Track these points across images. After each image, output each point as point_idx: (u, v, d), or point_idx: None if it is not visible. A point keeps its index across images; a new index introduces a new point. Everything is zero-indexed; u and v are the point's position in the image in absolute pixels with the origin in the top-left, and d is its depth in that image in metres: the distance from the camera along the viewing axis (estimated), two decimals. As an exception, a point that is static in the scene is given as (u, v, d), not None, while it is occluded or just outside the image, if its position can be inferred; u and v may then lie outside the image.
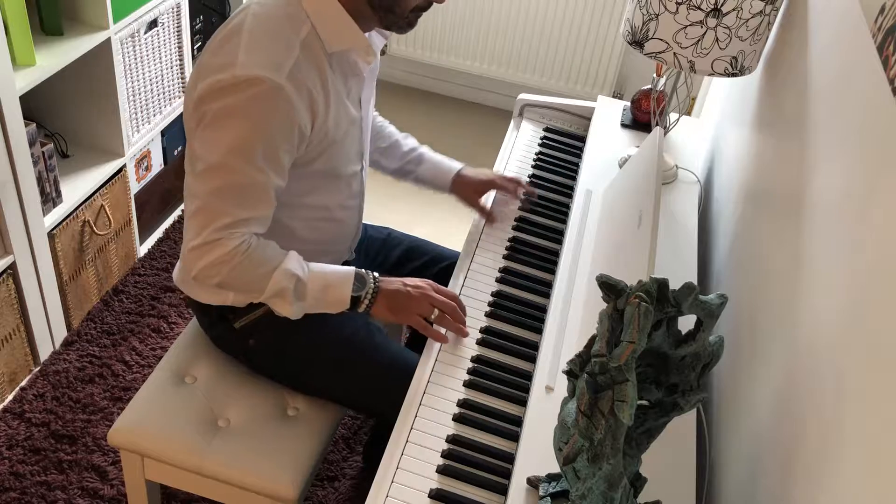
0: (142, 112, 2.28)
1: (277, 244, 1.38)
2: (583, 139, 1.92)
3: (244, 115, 1.24)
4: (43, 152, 1.94)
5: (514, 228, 1.65)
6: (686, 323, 1.03)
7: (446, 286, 1.50)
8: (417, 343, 1.43)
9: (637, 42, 1.57)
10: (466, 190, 1.68)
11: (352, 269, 1.41)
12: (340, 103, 1.36)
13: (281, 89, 1.23)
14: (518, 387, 1.32)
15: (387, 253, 1.72)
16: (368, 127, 1.52)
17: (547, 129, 1.95)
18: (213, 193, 1.29)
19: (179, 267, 1.53)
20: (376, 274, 1.42)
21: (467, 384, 1.31)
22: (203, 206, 1.30)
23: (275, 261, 1.35)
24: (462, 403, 1.27)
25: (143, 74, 2.23)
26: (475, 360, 1.35)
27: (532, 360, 1.35)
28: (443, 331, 1.38)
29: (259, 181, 1.29)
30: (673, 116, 1.84)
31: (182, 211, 2.56)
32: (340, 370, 1.48)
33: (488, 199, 1.69)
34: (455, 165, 1.70)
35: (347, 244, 1.60)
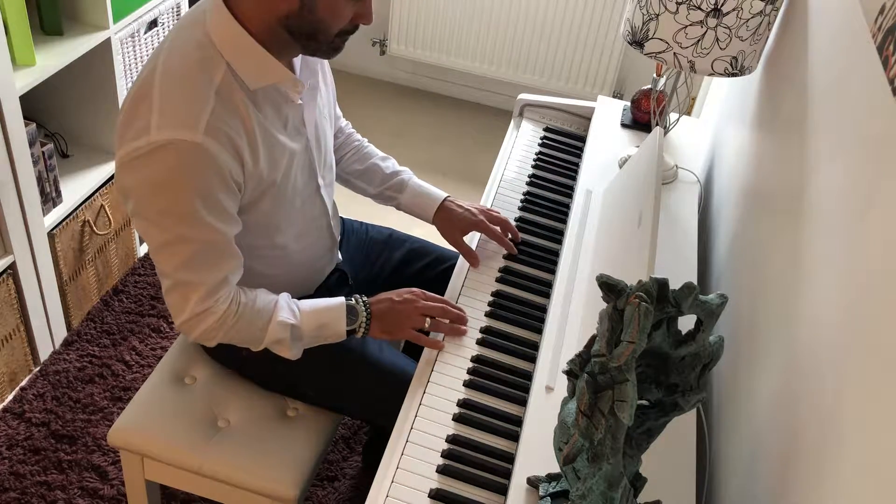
0: (142, 112, 2.28)
1: (252, 285, 1.36)
2: (583, 139, 1.92)
3: (171, 181, 1.18)
4: (43, 152, 1.94)
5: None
6: (686, 323, 1.03)
7: (447, 286, 1.50)
8: (416, 347, 1.42)
9: (637, 42, 1.57)
10: (451, 227, 1.58)
11: (342, 302, 1.39)
12: (273, 143, 1.28)
13: (199, 146, 1.16)
14: (518, 387, 1.32)
15: (389, 254, 1.70)
16: (323, 139, 1.44)
17: (547, 129, 1.95)
18: (179, 269, 1.26)
19: None
20: (366, 299, 1.41)
21: (467, 384, 1.30)
22: (174, 284, 1.28)
23: (266, 313, 1.34)
24: (462, 403, 1.27)
25: (143, 74, 2.23)
26: (475, 360, 1.35)
27: (532, 360, 1.35)
28: (440, 337, 1.38)
29: (215, 240, 1.25)
30: (673, 116, 1.84)
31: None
32: (334, 380, 1.48)
33: (473, 240, 1.60)
34: (438, 195, 1.61)
35: (324, 260, 1.56)
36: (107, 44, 2.03)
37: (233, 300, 1.30)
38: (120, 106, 2.13)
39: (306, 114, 1.36)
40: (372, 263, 1.69)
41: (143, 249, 2.46)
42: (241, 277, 1.35)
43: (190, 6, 2.35)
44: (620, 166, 1.78)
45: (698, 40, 1.50)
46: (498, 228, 1.57)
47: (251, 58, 1.22)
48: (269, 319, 1.34)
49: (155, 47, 2.23)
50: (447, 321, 1.39)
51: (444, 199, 1.61)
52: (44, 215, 1.98)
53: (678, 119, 1.83)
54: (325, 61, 1.44)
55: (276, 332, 1.34)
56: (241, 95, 1.22)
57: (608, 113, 1.97)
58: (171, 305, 1.30)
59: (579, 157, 1.86)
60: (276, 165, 1.30)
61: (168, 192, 1.19)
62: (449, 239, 1.58)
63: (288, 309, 1.36)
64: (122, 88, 2.14)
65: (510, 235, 1.59)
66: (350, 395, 1.49)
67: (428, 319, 1.38)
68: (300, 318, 1.36)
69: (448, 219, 1.59)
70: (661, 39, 1.53)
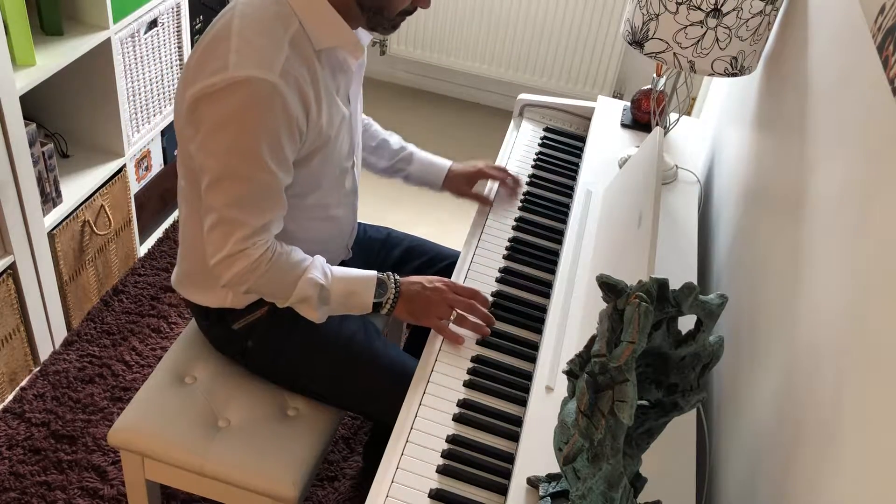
0: (142, 112, 2.28)
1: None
2: (583, 139, 1.92)
3: (243, 117, 1.24)
4: (43, 152, 1.94)
5: (514, 228, 1.65)
6: (686, 323, 1.03)
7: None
8: (417, 345, 1.43)
9: (637, 42, 1.57)
10: (458, 183, 1.70)
11: (374, 274, 1.42)
12: (332, 100, 1.35)
13: (275, 87, 1.22)
14: (518, 387, 1.32)
15: (386, 253, 1.72)
16: (359, 123, 1.53)
17: (547, 129, 1.95)
18: (229, 205, 1.29)
19: (177, 270, 1.53)
20: (397, 277, 1.43)
21: (467, 384, 1.30)
22: (220, 220, 1.30)
23: (299, 268, 1.36)
24: (462, 403, 1.27)
25: (143, 74, 2.23)
26: (475, 360, 1.35)
27: (532, 360, 1.35)
28: (462, 331, 1.38)
29: (270, 183, 1.29)
30: (673, 116, 1.84)
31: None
32: (337, 373, 1.48)
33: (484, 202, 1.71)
34: (445, 163, 1.72)
35: (344, 242, 1.60)
36: (107, 44, 2.03)
37: (269, 247, 1.33)
38: (120, 104, 2.15)
39: (353, 89, 1.44)
40: (370, 262, 1.70)
41: (143, 249, 2.46)
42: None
43: (190, 6, 2.35)
44: (620, 166, 1.78)
45: (698, 40, 1.50)
46: (499, 173, 1.70)
47: (323, 18, 1.29)
48: (300, 274, 1.36)
49: (157, 45, 2.24)
50: (473, 318, 1.40)
51: (451, 165, 1.73)
52: (44, 215, 1.98)
53: (678, 119, 1.83)
54: (365, 58, 1.50)
55: (304, 289, 1.36)
56: (310, 51, 1.29)
57: (608, 113, 1.97)
58: (212, 242, 1.32)
59: (579, 157, 1.86)
60: (332, 122, 1.36)
61: (238, 127, 1.24)
62: (459, 194, 1.71)
63: (321, 269, 1.38)
64: (123, 88, 2.14)
65: (511, 181, 1.71)
66: (351, 390, 1.49)
67: (454, 312, 1.39)
68: (331, 281, 1.38)
69: (454, 178, 1.71)
70: (661, 39, 1.53)
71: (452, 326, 1.39)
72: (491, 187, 1.72)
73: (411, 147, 1.74)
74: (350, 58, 1.37)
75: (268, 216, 1.32)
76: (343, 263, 1.63)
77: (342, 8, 1.30)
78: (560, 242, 1.61)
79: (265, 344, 1.48)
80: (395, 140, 1.73)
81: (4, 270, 1.90)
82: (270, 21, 1.26)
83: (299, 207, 1.42)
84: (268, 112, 1.24)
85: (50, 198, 2.00)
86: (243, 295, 1.45)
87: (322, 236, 1.51)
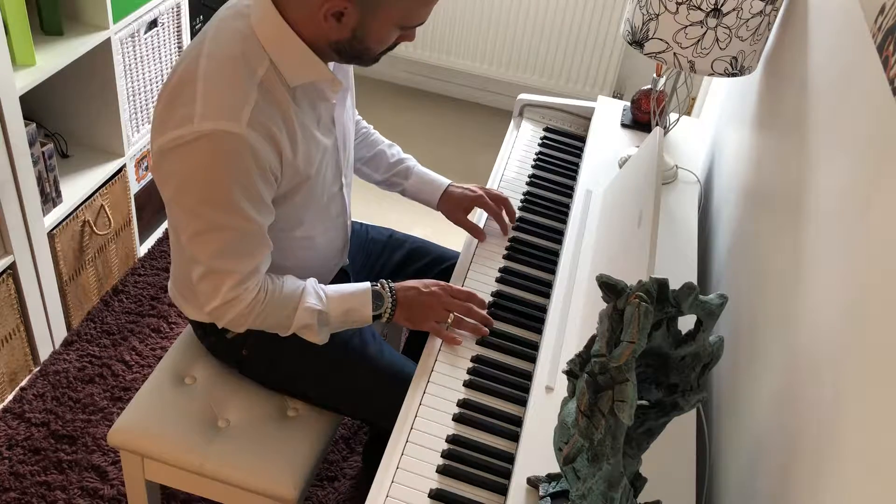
0: (142, 112, 2.28)
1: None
2: (583, 139, 1.92)
3: (211, 171, 1.20)
4: (43, 152, 1.94)
5: (515, 228, 1.64)
6: (686, 323, 1.03)
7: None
8: (417, 346, 1.43)
9: (637, 42, 1.57)
10: (453, 207, 1.64)
11: (368, 286, 1.41)
12: (309, 138, 1.31)
13: (242, 139, 1.18)
14: (518, 387, 1.32)
15: (389, 255, 1.71)
16: (348, 141, 1.48)
17: (547, 129, 1.95)
18: (214, 257, 1.27)
19: (173, 281, 1.52)
20: (392, 285, 1.42)
21: (467, 384, 1.30)
22: (208, 272, 1.29)
23: (294, 300, 1.35)
24: (462, 403, 1.27)
25: (143, 74, 2.23)
26: (475, 360, 1.35)
27: (532, 360, 1.35)
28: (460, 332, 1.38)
29: (250, 229, 1.27)
30: (673, 116, 1.84)
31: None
32: (334, 379, 1.48)
33: (481, 218, 1.65)
34: (443, 182, 1.66)
35: (335, 260, 1.58)
36: (107, 44, 2.03)
37: (261, 288, 1.32)
38: (120, 104, 2.15)
39: (337, 113, 1.39)
40: (372, 264, 1.70)
41: (143, 249, 2.46)
42: None
43: (190, 6, 2.35)
44: (620, 166, 1.78)
45: (698, 40, 1.50)
46: (496, 206, 1.62)
47: (295, 55, 1.24)
48: (296, 306, 1.35)
49: (157, 45, 2.24)
50: (470, 321, 1.39)
51: (448, 186, 1.66)
52: (44, 215, 1.98)
53: (678, 119, 1.83)
54: (351, 75, 1.49)
55: (303, 318, 1.35)
56: (282, 90, 1.25)
57: (608, 113, 1.97)
58: (203, 293, 1.31)
59: (579, 157, 1.86)
60: (311, 160, 1.33)
61: (208, 181, 1.21)
62: (453, 219, 1.64)
63: (315, 294, 1.37)
64: (123, 88, 2.14)
65: (507, 217, 1.64)
66: (350, 396, 1.49)
67: (451, 315, 1.39)
68: (327, 303, 1.38)
69: (450, 200, 1.65)
70: (661, 39, 1.53)
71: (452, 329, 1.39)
72: (482, 213, 1.66)
73: (410, 161, 1.69)
74: (328, 91, 1.33)
75: (255, 260, 1.30)
76: (343, 268, 1.63)
77: (315, 49, 1.25)
78: (560, 242, 1.61)
79: (260, 352, 1.48)
80: (393, 152, 1.68)
81: (4, 270, 1.90)
82: (237, 63, 1.21)
83: (284, 240, 1.39)
84: (237, 163, 1.20)
85: (50, 198, 2.00)
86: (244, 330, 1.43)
87: (310, 262, 1.49)
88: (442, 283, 1.44)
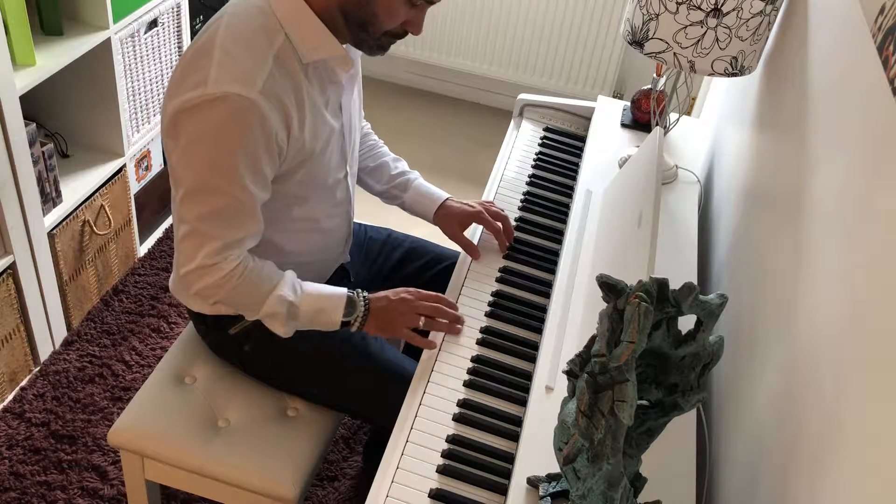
0: (142, 112, 2.28)
1: (265, 259, 1.38)
2: (583, 139, 1.92)
3: (220, 134, 1.22)
4: (43, 152, 1.94)
5: (515, 228, 1.64)
6: (686, 323, 1.03)
7: (447, 286, 1.50)
8: (416, 347, 1.43)
9: (637, 42, 1.57)
10: (449, 223, 1.61)
11: (344, 292, 1.40)
12: (318, 115, 1.33)
13: (254, 104, 1.20)
14: (518, 387, 1.32)
15: (387, 254, 1.71)
16: (354, 132, 1.49)
17: (547, 129, 1.95)
18: (201, 218, 1.28)
19: (173, 274, 1.52)
20: (366, 294, 1.42)
21: (467, 384, 1.30)
22: (192, 231, 1.29)
23: (270, 284, 1.35)
24: (462, 403, 1.27)
25: (143, 74, 2.23)
26: (475, 360, 1.35)
27: (532, 360, 1.35)
28: (437, 337, 1.38)
29: (245, 200, 1.27)
30: (673, 116, 1.84)
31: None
32: (335, 377, 1.48)
33: (475, 233, 1.61)
34: (441, 196, 1.64)
35: (338, 251, 1.58)
36: (107, 44, 2.03)
37: (241, 262, 1.32)
38: (120, 104, 2.15)
39: (344, 100, 1.41)
40: (371, 263, 1.70)
41: (143, 249, 2.47)
42: (261, 251, 1.38)
43: (190, 6, 2.35)
44: (620, 166, 1.78)
45: (698, 40, 1.50)
46: (495, 224, 1.58)
47: (310, 31, 1.27)
48: (270, 290, 1.35)
49: (157, 45, 2.24)
50: (443, 321, 1.39)
51: (446, 199, 1.64)
52: (44, 215, 1.98)
53: (678, 119, 1.83)
54: (359, 66, 1.48)
55: (273, 305, 1.35)
56: (295, 66, 1.27)
57: (608, 113, 1.97)
58: (182, 251, 1.32)
59: (579, 157, 1.86)
60: (317, 136, 1.34)
61: (215, 143, 1.23)
62: (449, 233, 1.61)
63: (290, 286, 1.37)
64: (123, 88, 2.14)
65: (506, 234, 1.59)
66: (351, 394, 1.49)
67: (422, 318, 1.39)
68: (300, 297, 1.38)
69: (447, 214, 1.62)
70: (661, 39, 1.53)
71: (433, 335, 1.39)
72: (477, 228, 1.63)
73: (412, 175, 1.67)
74: (339, 70, 1.35)
75: (241, 233, 1.30)
76: (342, 266, 1.63)
77: (329, 20, 1.28)
78: (560, 242, 1.61)
79: (262, 348, 1.48)
80: (396, 165, 1.68)
81: (4, 270, 1.90)
82: (255, 34, 1.24)
83: (285, 220, 1.41)
84: (246, 129, 1.22)
85: (50, 198, 2.00)
86: (211, 306, 1.44)
87: (313, 248, 1.50)
88: (411, 288, 1.43)
